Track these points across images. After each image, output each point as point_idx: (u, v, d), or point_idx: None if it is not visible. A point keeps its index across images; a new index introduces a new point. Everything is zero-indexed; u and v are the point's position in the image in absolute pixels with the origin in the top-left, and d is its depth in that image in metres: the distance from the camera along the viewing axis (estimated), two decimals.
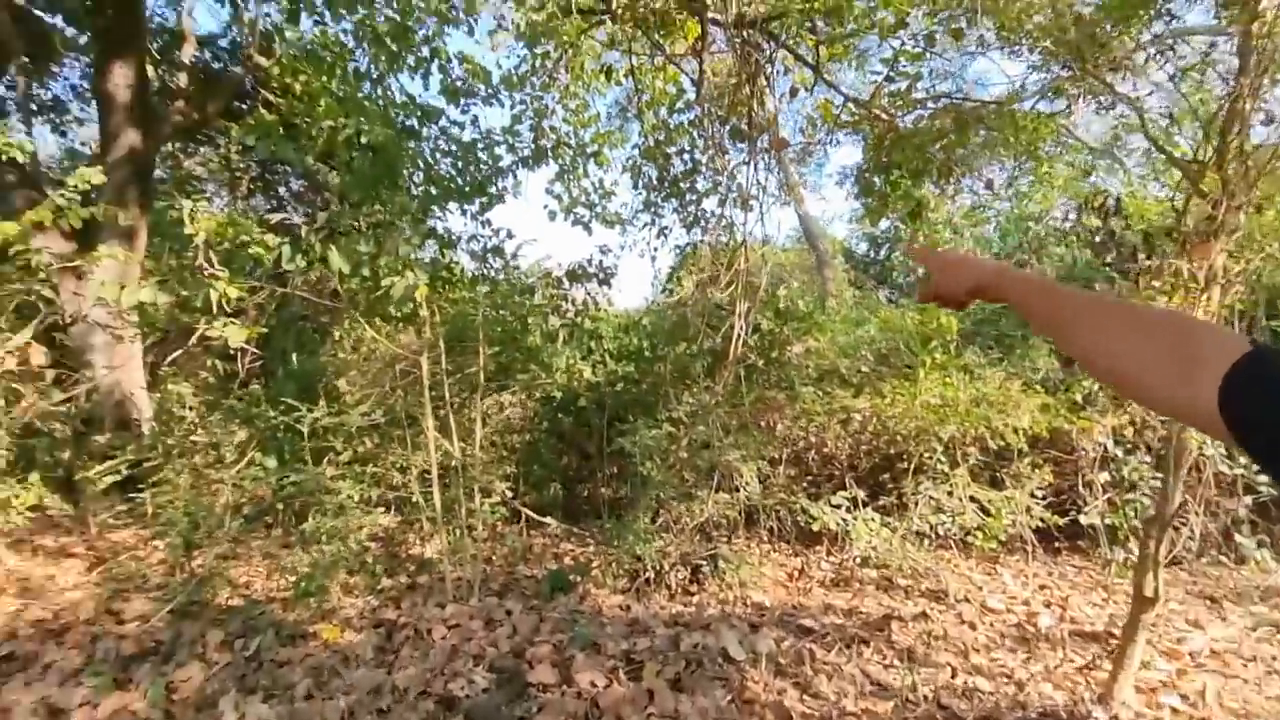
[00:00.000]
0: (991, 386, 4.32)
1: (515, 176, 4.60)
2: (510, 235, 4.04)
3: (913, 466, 4.26)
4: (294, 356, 4.58)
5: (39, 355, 3.16)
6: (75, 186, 3.80)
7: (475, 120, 5.04)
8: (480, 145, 4.61)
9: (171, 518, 2.91)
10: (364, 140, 3.64)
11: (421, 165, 4.10)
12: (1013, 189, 9.89)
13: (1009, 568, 4.11)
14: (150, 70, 5.45)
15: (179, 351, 5.47)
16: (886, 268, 16.89)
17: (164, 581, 3.08)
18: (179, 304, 3.78)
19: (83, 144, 7.79)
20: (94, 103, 4.99)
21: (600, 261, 4.72)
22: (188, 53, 5.89)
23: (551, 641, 2.79)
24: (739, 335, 3.65)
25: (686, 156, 5.25)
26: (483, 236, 3.89)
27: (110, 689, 2.24)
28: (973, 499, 4.08)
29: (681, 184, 5.13)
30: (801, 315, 4.98)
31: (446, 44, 5.60)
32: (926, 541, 4.00)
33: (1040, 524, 3.98)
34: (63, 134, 7.93)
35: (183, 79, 5.75)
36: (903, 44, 3.30)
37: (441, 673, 2.52)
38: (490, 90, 5.47)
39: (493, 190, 4.64)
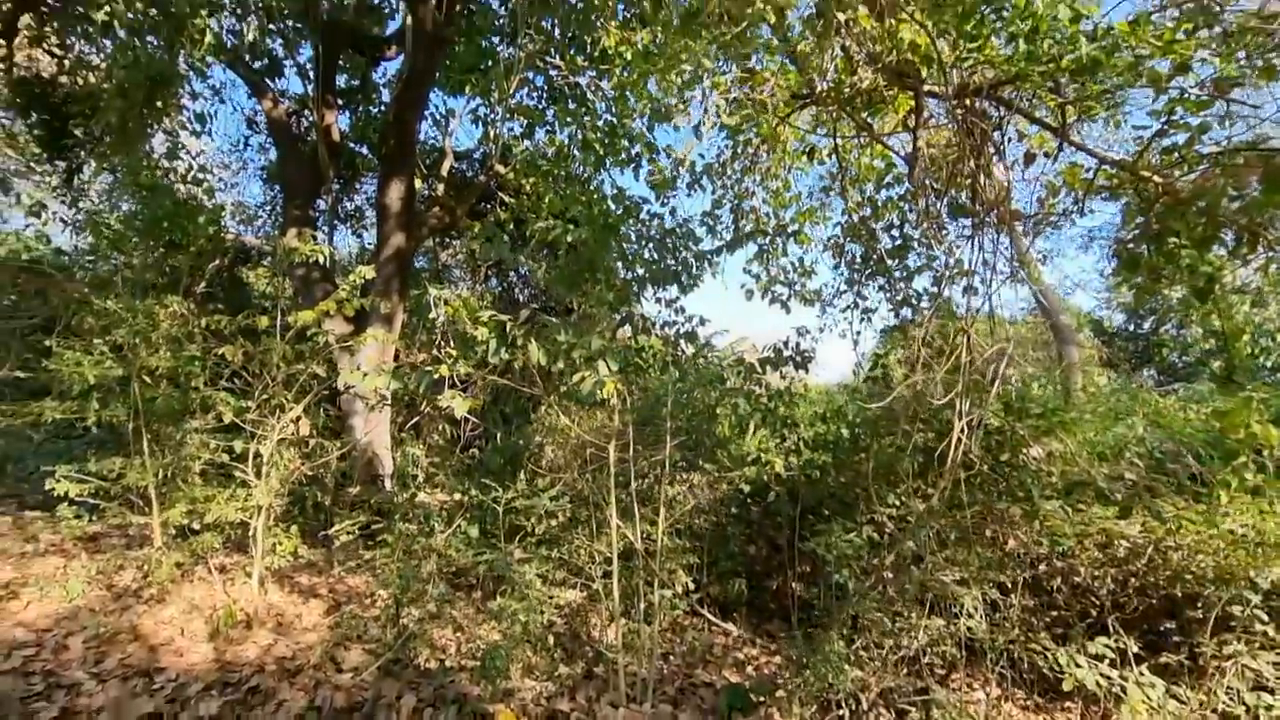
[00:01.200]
0: None
1: (710, 262, 4.61)
2: (703, 321, 4.00)
3: (1212, 618, 3.24)
4: (498, 435, 5.01)
5: (305, 426, 3.84)
6: (353, 281, 4.65)
7: (673, 211, 5.24)
8: (679, 233, 4.74)
9: (385, 578, 3.22)
10: (569, 239, 3.94)
11: (622, 258, 4.32)
12: None
13: None
14: (417, 182, 6.62)
15: (417, 418, 6.32)
16: (1153, 343, 14.08)
17: (379, 635, 3.39)
18: (417, 379, 4.37)
19: (369, 245, 9.72)
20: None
21: (797, 344, 4.49)
22: (446, 166, 7.06)
23: None
24: (959, 439, 3.13)
25: (895, 232, 4.88)
26: (675, 322, 3.93)
27: None
28: None
29: (889, 261, 4.75)
30: (1040, 409, 4.18)
31: (655, 138, 5.97)
32: None
33: None
34: (359, 236, 10.03)
35: (440, 188, 6.88)
36: (1182, 92, 2.70)
37: None
38: (694, 177, 5.68)
39: (691, 274, 4.71)
